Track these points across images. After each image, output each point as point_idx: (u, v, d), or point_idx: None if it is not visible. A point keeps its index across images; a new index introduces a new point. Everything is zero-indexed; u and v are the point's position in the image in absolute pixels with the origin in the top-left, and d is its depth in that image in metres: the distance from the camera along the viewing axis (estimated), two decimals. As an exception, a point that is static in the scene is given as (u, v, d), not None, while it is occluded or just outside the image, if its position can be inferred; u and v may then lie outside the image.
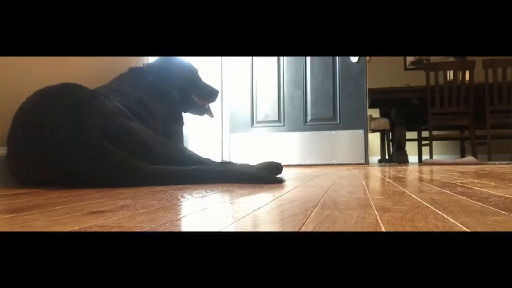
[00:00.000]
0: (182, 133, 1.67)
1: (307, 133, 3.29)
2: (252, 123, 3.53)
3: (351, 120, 3.22)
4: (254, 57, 3.50)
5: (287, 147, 3.29)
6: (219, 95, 3.63)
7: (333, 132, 3.23)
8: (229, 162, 1.29)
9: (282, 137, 3.34)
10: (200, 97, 1.76)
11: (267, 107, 3.45)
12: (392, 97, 3.73)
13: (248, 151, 3.46)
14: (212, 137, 3.67)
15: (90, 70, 1.68)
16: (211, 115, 1.83)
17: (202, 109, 1.77)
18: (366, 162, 3.16)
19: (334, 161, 3.19)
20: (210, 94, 1.78)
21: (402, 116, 3.76)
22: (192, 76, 1.75)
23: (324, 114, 3.29)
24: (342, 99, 3.25)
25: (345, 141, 3.20)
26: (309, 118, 3.33)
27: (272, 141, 3.38)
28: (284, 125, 3.37)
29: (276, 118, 3.41)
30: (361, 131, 3.18)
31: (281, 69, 3.43)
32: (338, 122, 3.24)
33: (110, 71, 1.75)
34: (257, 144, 3.45)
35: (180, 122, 1.66)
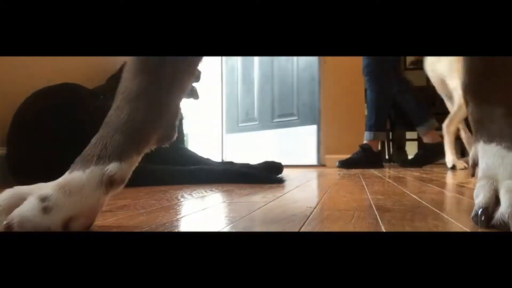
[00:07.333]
0: (183, 132, 1.65)
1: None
2: (238, 123, 3.55)
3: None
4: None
5: (288, 147, 3.29)
6: (217, 90, 3.62)
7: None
8: (229, 162, 1.29)
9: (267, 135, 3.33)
10: None
11: (248, 105, 3.47)
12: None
13: (239, 152, 3.47)
14: (212, 137, 3.68)
15: (89, 70, 1.68)
16: (196, 97, 1.67)
17: (188, 91, 1.64)
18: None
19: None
20: None
21: (402, 116, 3.76)
22: None
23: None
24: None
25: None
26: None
27: (261, 140, 3.38)
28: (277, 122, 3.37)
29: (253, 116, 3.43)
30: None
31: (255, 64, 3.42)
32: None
33: (109, 70, 1.75)
34: (245, 144, 3.46)
35: (180, 121, 1.63)
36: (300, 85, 3.11)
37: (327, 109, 3.03)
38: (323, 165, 2.94)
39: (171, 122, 0.50)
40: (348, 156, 2.36)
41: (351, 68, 2.82)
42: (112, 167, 0.42)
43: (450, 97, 2.16)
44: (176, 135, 0.51)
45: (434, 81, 2.27)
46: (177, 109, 0.51)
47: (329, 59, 2.96)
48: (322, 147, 3.00)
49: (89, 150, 0.44)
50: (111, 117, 0.46)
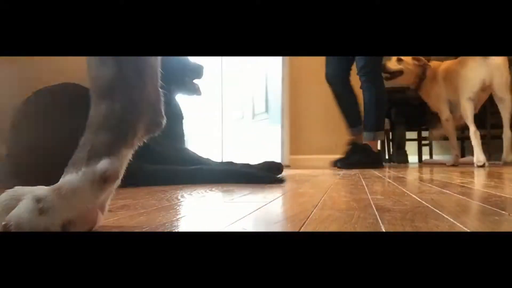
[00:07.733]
0: (183, 132, 1.64)
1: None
2: (233, 122, 3.55)
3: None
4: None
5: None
6: (215, 87, 3.63)
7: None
8: (230, 162, 1.29)
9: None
10: (187, 76, 1.57)
11: (239, 104, 3.48)
12: (392, 97, 3.72)
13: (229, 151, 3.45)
14: (212, 135, 3.68)
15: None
16: (199, 93, 1.63)
17: (190, 88, 1.58)
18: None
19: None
20: (194, 70, 1.57)
21: (402, 116, 3.76)
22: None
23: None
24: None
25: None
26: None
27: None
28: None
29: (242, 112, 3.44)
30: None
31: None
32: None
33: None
34: (235, 144, 3.45)
35: (180, 120, 1.61)
36: (270, 84, 3.03)
37: (294, 108, 2.90)
38: (287, 166, 2.76)
39: (155, 107, 0.49)
40: (315, 156, 2.32)
41: (319, 66, 2.60)
42: (102, 165, 0.42)
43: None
44: (164, 121, 0.50)
45: (474, 83, 2.34)
46: (157, 93, 0.49)
47: (295, 57, 2.80)
48: (286, 147, 2.87)
49: (78, 153, 0.44)
50: (91, 118, 0.46)
